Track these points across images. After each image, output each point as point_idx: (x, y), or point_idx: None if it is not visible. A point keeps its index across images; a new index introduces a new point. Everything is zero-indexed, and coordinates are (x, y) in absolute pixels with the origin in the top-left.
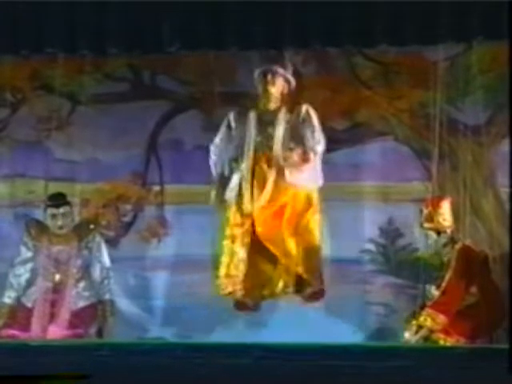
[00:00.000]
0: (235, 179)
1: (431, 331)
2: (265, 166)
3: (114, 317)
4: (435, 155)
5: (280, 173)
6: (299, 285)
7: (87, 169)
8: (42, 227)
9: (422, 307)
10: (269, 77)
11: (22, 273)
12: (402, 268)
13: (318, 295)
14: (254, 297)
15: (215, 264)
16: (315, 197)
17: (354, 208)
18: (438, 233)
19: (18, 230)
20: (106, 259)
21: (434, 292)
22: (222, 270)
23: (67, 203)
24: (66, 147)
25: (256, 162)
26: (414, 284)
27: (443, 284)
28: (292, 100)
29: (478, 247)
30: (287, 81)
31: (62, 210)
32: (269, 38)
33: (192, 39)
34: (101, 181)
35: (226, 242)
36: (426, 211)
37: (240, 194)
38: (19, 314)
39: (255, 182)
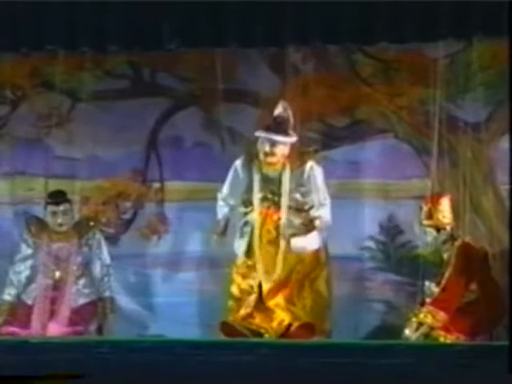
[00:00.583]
0: (244, 233)
1: (431, 328)
2: (273, 231)
3: (114, 314)
4: (435, 152)
5: (287, 241)
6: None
7: (87, 166)
8: (42, 224)
9: (422, 304)
10: (267, 148)
11: (22, 270)
12: (402, 265)
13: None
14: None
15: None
16: (323, 252)
17: (353, 205)
18: (438, 230)
19: (18, 228)
20: (106, 256)
21: (434, 289)
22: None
23: (67, 201)
24: (65, 144)
25: (263, 222)
26: (414, 281)
27: (443, 281)
28: (296, 157)
29: (478, 244)
30: (287, 144)
31: (62, 207)
32: (269, 35)
33: (192, 36)
34: (101, 178)
35: (232, 295)
36: (425, 208)
37: (250, 252)
38: (19, 311)
39: (263, 252)
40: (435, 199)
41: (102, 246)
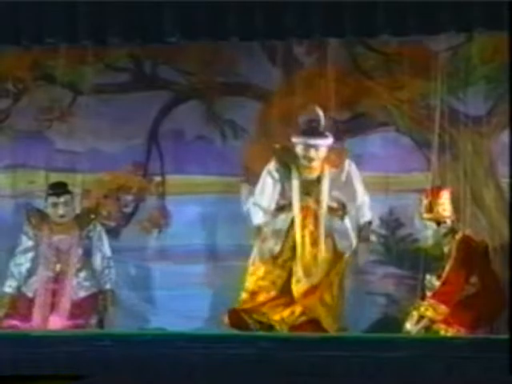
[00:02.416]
0: (278, 233)
1: (432, 321)
2: (315, 232)
3: (115, 307)
4: (436, 145)
5: (333, 242)
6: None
7: (88, 159)
8: (42, 216)
9: (423, 298)
10: (312, 153)
11: (23, 262)
12: (403, 258)
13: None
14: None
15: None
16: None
17: None
18: (438, 223)
19: (19, 220)
20: (106, 249)
21: (435, 282)
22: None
23: (68, 192)
24: (67, 137)
25: (304, 223)
26: (414, 274)
27: (444, 274)
28: (333, 157)
29: (479, 237)
30: (327, 146)
31: (62, 198)
32: (270, 28)
33: (193, 29)
34: (102, 171)
35: (246, 289)
36: (425, 202)
37: (283, 251)
38: (20, 304)
39: (305, 253)
40: (435, 192)
41: (102, 239)
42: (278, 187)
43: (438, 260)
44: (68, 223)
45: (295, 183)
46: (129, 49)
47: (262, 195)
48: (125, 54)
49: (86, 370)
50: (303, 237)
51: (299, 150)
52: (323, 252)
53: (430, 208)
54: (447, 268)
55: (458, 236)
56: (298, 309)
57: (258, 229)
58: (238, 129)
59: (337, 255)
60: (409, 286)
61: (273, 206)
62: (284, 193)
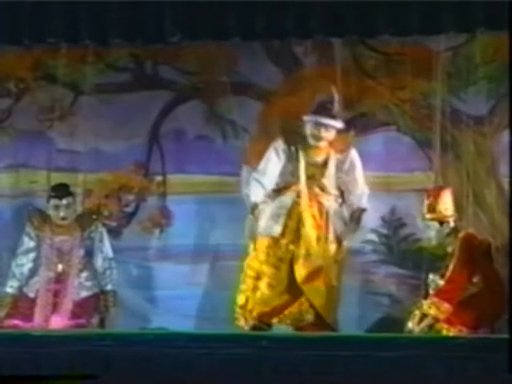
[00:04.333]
0: (279, 214)
1: (436, 320)
2: (318, 217)
3: (117, 307)
4: (437, 145)
5: (335, 229)
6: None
7: (90, 159)
8: (44, 217)
9: (426, 297)
10: (322, 132)
11: (25, 263)
12: (405, 258)
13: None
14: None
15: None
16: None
17: None
18: (441, 223)
19: (21, 221)
20: (108, 249)
21: (439, 282)
22: (240, 300)
23: (70, 194)
24: (68, 137)
25: (307, 206)
26: (417, 274)
27: (447, 273)
28: (339, 142)
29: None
30: (336, 128)
31: (64, 201)
32: (271, 28)
33: (194, 29)
34: (103, 171)
35: (249, 275)
36: (427, 202)
37: (285, 233)
38: (21, 304)
39: (307, 236)
40: (437, 192)
41: (104, 239)
42: (281, 168)
43: (441, 259)
44: (70, 224)
45: (302, 165)
46: (130, 49)
47: (265, 173)
48: (126, 53)
49: (87, 370)
50: (306, 219)
51: (308, 128)
52: (326, 236)
53: (433, 208)
54: (451, 266)
55: (461, 234)
56: (304, 305)
57: (256, 206)
58: (239, 128)
59: (337, 241)
60: (411, 286)
61: (272, 186)
62: (285, 174)
